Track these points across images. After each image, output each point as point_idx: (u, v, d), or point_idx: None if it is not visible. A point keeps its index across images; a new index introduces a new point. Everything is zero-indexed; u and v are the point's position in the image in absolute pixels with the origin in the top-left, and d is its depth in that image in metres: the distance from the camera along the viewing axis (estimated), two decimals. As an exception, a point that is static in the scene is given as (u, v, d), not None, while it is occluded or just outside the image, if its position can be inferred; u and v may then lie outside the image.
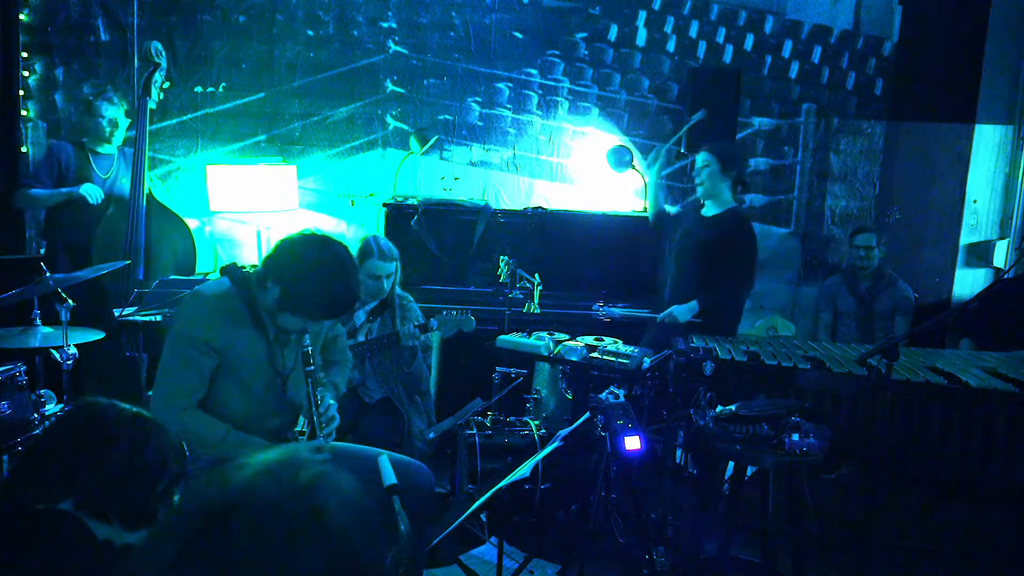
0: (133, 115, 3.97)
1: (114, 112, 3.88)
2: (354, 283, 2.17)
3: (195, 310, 2.25)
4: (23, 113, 4.36)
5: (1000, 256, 4.98)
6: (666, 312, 3.58)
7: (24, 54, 4.34)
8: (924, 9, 4.93)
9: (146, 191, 3.90)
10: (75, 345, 3.05)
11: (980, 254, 5.06)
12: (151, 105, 3.91)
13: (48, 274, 3.08)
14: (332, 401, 2.40)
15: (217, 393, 2.25)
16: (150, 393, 2.56)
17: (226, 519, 0.78)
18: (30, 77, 4.39)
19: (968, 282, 5.05)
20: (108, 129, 3.87)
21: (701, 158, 3.66)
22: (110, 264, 3.50)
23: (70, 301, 2.99)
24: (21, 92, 4.34)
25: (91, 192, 3.74)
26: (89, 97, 3.98)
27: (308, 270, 2.11)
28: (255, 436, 2.27)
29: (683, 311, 3.53)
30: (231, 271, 2.29)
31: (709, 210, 3.71)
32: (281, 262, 2.15)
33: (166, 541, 0.80)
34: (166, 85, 3.96)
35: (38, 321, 3.06)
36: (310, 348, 2.24)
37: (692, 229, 3.75)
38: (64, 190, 3.77)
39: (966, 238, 5.05)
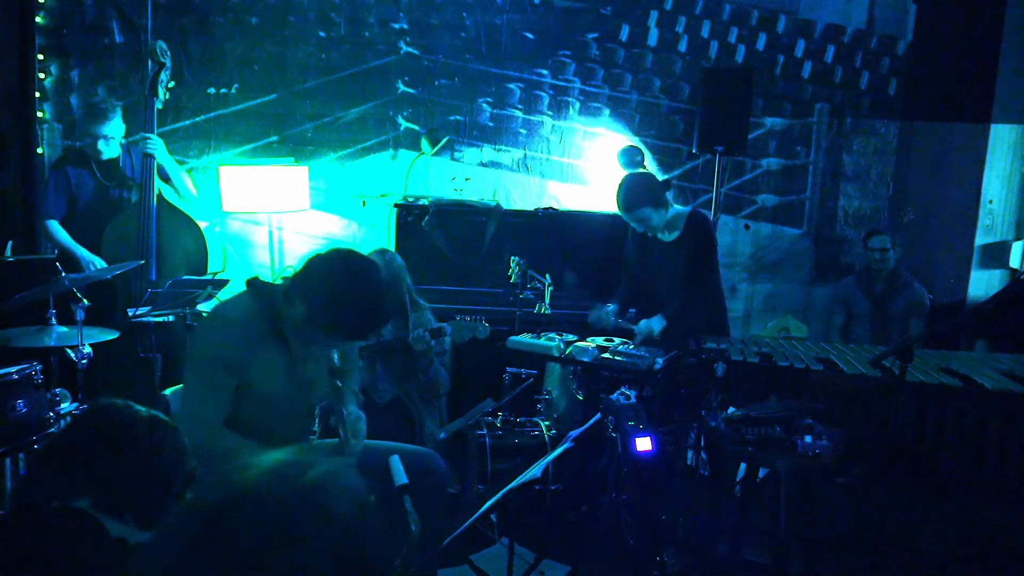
0: (129, 116, 3.96)
1: (106, 129, 3.81)
2: (383, 306, 2.14)
3: (215, 330, 2.23)
4: (39, 115, 4.41)
5: (1016, 257, 4.92)
6: (644, 327, 3.40)
7: (40, 56, 4.38)
8: (939, 8, 4.89)
9: (156, 192, 3.92)
10: (90, 345, 3.07)
11: (996, 255, 5.01)
12: (158, 105, 3.92)
13: (63, 274, 3.11)
14: (360, 413, 2.37)
15: (238, 408, 2.23)
16: (164, 393, 2.59)
17: (231, 517, 0.78)
18: (45, 79, 4.43)
19: (983, 283, 5.00)
20: (99, 145, 3.81)
21: (634, 218, 3.44)
22: (124, 264, 3.53)
23: (85, 301, 3.02)
24: (37, 94, 4.38)
25: (93, 263, 3.76)
26: (80, 111, 3.94)
27: (336, 292, 2.06)
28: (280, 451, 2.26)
29: (657, 322, 3.40)
30: (255, 285, 2.25)
31: (666, 235, 3.55)
32: (309, 282, 2.10)
33: (172, 538, 0.80)
34: (171, 85, 3.96)
35: (54, 320, 3.08)
36: (339, 363, 2.20)
37: (658, 254, 3.57)
38: (78, 254, 3.79)
39: (981, 239, 5.00)
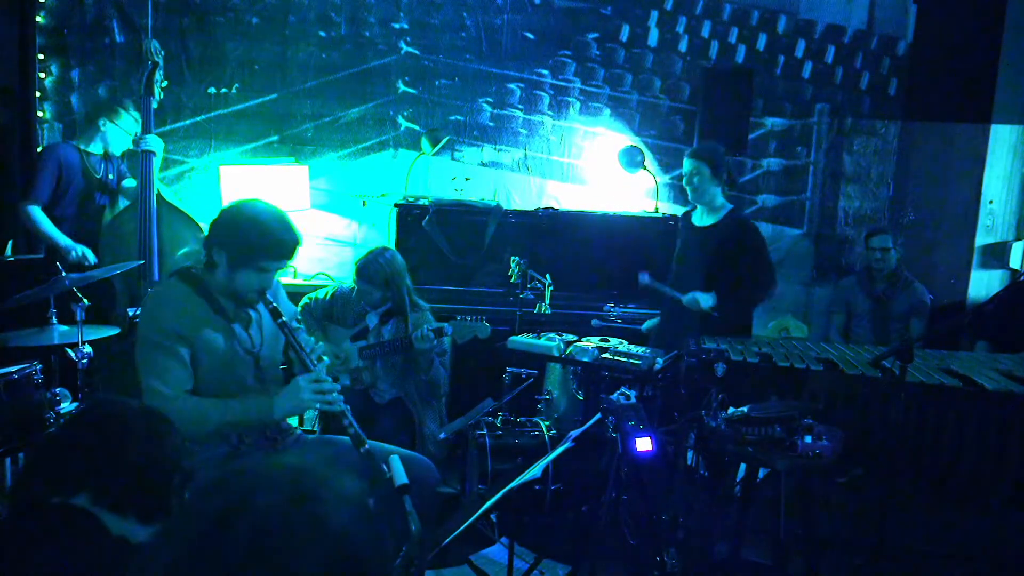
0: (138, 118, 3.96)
1: (121, 139, 3.83)
2: (287, 221, 2.31)
3: (155, 306, 2.34)
4: (39, 114, 4.41)
5: (1016, 257, 4.92)
6: (690, 296, 3.43)
7: (40, 56, 4.38)
8: (939, 8, 4.88)
9: (156, 192, 3.92)
10: (89, 343, 3.07)
11: (996, 255, 5.01)
12: (153, 104, 3.92)
13: (63, 274, 3.10)
14: (318, 344, 2.53)
15: (199, 385, 2.31)
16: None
17: (229, 523, 0.78)
18: (46, 79, 4.44)
19: (984, 283, 5.00)
20: (109, 142, 3.83)
21: (688, 164, 3.55)
22: (124, 264, 3.52)
23: (85, 300, 3.02)
24: (37, 93, 4.39)
25: (75, 249, 3.74)
26: (103, 117, 3.88)
27: (242, 222, 2.27)
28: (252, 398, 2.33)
29: (706, 298, 3.42)
30: (178, 272, 2.41)
31: (703, 219, 3.60)
32: (217, 232, 2.30)
33: (169, 542, 0.81)
34: (164, 84, 3.95)
35: (55, 320, 3.08)
36: (275, 304, 2.33)
37: (690, 241, 3.63)
38: (61, 243, 3.75)
39: (982, 239, 4.99)
